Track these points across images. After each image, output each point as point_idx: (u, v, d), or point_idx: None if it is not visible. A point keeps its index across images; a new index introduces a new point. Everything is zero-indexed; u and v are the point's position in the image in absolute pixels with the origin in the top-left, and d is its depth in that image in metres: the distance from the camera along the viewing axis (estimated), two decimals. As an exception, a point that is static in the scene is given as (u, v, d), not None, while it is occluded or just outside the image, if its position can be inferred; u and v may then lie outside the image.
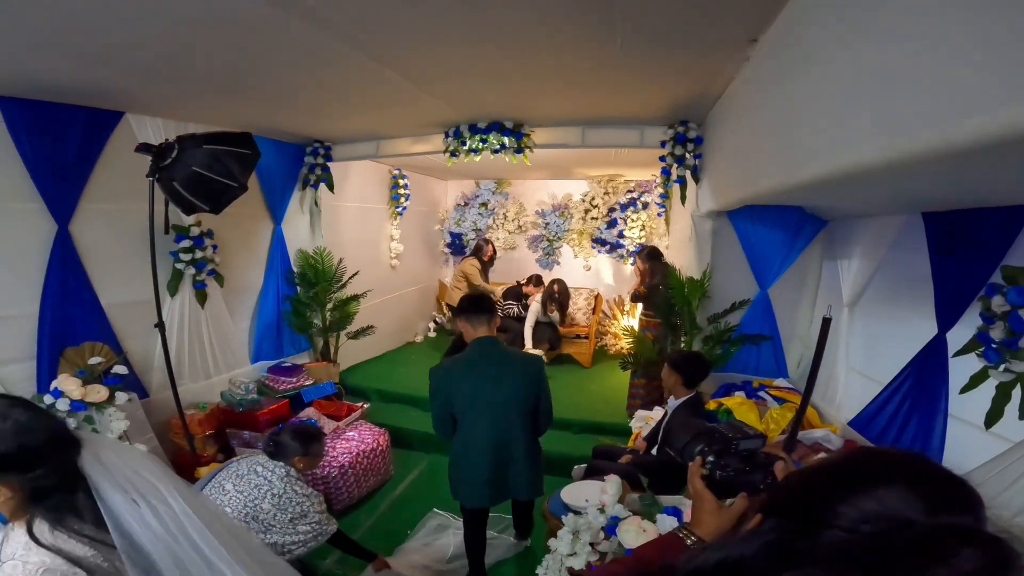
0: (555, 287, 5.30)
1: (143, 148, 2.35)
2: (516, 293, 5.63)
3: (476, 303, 2.20)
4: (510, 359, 2.19)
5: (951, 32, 0.90)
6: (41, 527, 0.93)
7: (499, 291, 5.78)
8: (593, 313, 5.79)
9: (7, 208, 2.48)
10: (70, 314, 2.75)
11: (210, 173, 2.41)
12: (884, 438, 2.30)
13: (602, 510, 1.82)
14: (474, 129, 3.59)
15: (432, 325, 6.56)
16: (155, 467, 1.02)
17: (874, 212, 2.57)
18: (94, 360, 2.71)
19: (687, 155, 3.35)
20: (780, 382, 3.19)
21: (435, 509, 3.06)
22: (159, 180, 2.41)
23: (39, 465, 0.91)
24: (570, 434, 3.87)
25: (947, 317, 2.01)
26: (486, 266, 5.55)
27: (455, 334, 5.20)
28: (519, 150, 3.63)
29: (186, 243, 3.17)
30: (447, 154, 3.75)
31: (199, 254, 3.24)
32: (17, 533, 0.93)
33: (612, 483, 1.82)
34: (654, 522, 1.66)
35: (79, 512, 0.94)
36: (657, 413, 3.37)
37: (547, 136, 3.66)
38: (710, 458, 0.89)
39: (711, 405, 3.01)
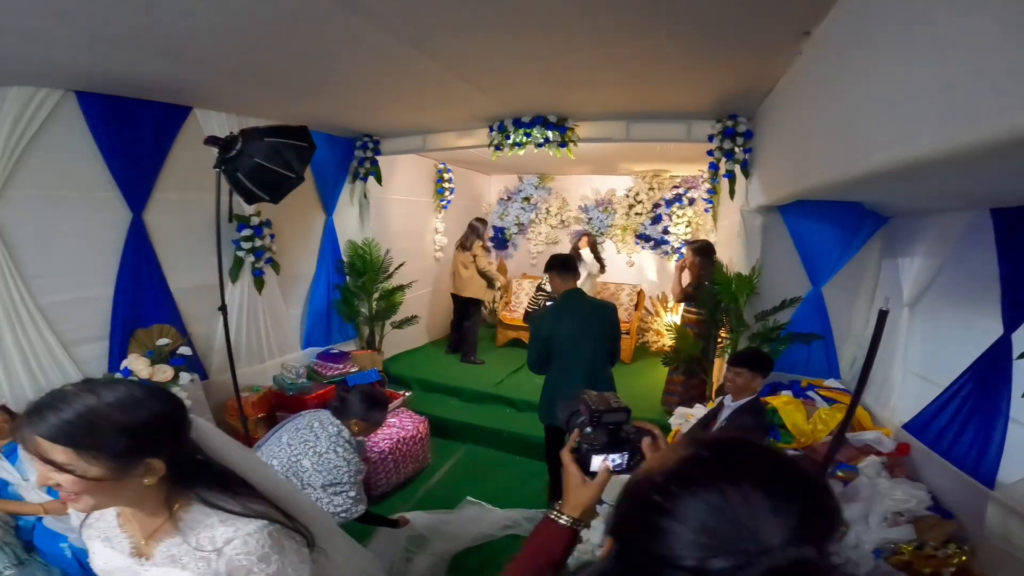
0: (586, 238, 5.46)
1: (211, 141, 2.51)
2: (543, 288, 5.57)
3: (565, 262, 2.76)
4: (592, 305, 2.78)
5: (1019, 18, 0.86)
6: (216, 498, 0.90)
7: (517, 282, 5.96)
8: (636, 309, 5.72)
9: (87, 197, 2.70)
10: (141, 297, 2.96)
11: (271, 164, 2.55)
12: (940, 442, 2.20)
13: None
14: (518, 123, 3.62)
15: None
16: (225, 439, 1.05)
17: (939, 208, 2.43)
18: (162, 341, 2.92)
19: (736, 149, 3.26)
20: (831, 382, 3.07)
21: (469, 497, 3.11)
22: (225, 171, 2.56)
23: (184, 439, 0.90)
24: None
25: (1014, 317, 1.89)
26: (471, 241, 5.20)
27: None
28: (563, 144, 3.63)
29: (247, 232, 3.36)
30: (491, 148, 3.80)
31: (258, 243, 3.43)
32: (204, 521, 0.89)
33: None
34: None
35: (220, 482, 0.93)
36: (698, 411, 3.31)
37: (591, 130, 3.64)
38: (588, 429, 0.86)
39: (754, 404, 2.93)
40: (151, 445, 0.83)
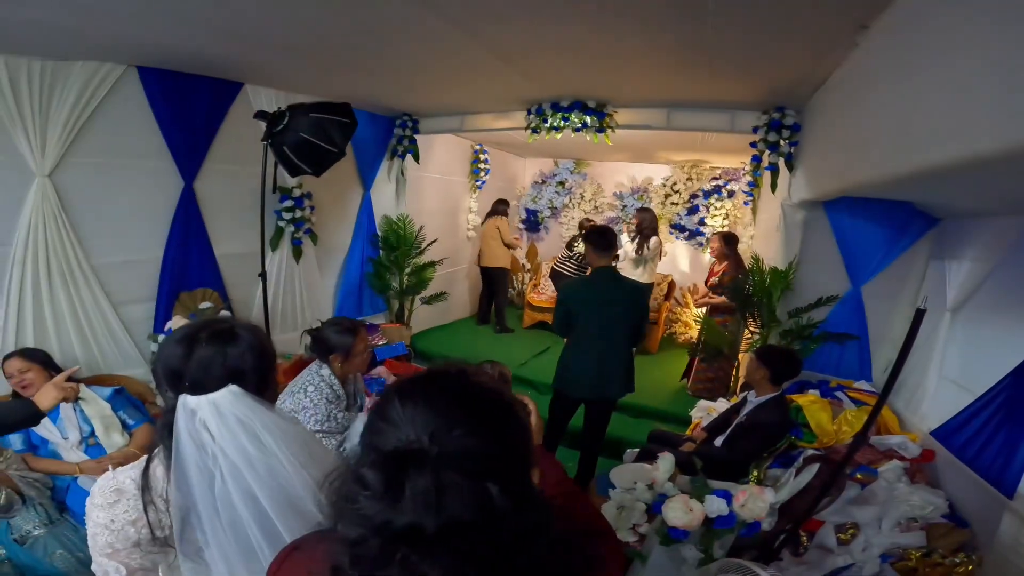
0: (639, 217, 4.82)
1: (260, 115, 2.62)
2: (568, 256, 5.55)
3: (604, 237, 2.71)
4: (623, 285, 2.74)
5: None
6: None
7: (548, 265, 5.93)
8: (665, 299, 5.66)
9: (144, 166, 2.85)
10: (188, 262, 3.11)
11: (315, 139, 2.64)
12: (966, 450, 2.15)
13: (651, 487, 1.85)
14: (556, 107, 3.59)
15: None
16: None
17: (993, 211, 2.32)
18: (204, 304, 3.08)
19: (781, 142, 3.17)
20: (861, 384, 3.00)
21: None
22: (271, 144, 2.67)
23: None
24: (627, 417, 3.86)
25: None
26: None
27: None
28: (600, 129, 3.60)
29: (288, 203, 3.49)
30: (528, 131, 3.80)
31: (298, 213, 3.55)
32: None
33: (665, 460, 1.84)
34: (702, 503, 1.67)
35: None
36: (721, 405, 3.30)
37: (630, 116, 3.59)
38: None
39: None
40: None
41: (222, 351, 0.94)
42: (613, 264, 2.79)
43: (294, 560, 0.73)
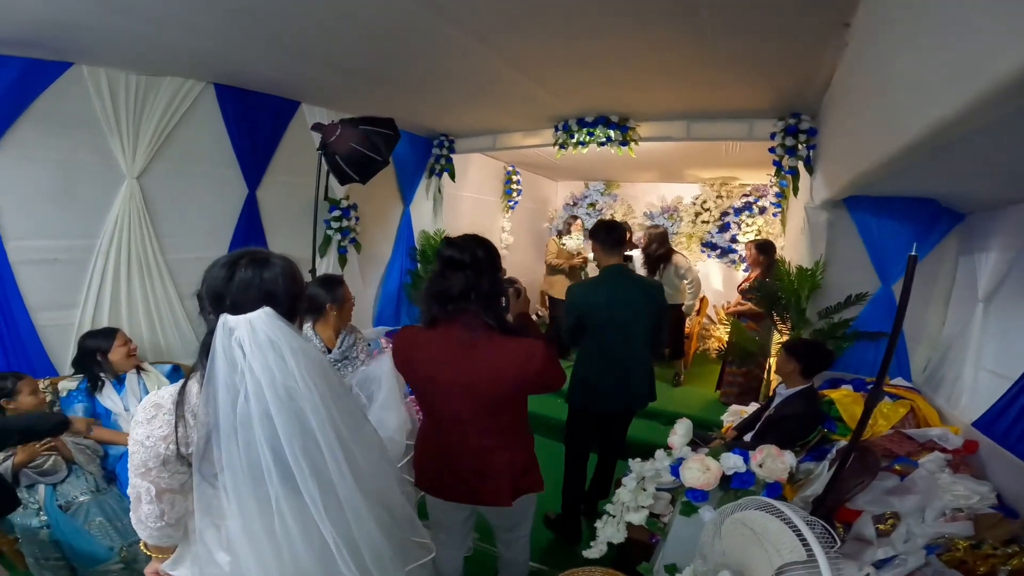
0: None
1: (317, 127, 2.96)
2: None
3: (611, 232, 2.50)
4: (637, 283, 2.55)
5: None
6: None
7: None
8: (697, 315, 5.65)
9: (215, 173, 3.21)
10: None
11: (362, 148, 2.95)
12: (1009, 437, 2.08)
13: (669, 452, 1.90)
14: (581, 123, 3.82)
15: (534, 318, 6.84)
16: None
17: (1013, 198, 2.34)
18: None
19: (799, 146, 3.27)
20: (899, 381, 2.95)
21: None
22: (325, 153, 2.99)
23: None
24: (658, 424, 3.86)
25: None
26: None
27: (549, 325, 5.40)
28: (624, 143, 3.79)
29: (336, 213, 3.80)
30: (556, 147, 4.03)
31: (345, 223, 3.86)
32: None
33: (682, 424, 1.90)
34: (718, 460, 1.72)
35: None
36: (753, 409, 3.28)
37: (652, 129, 3.78)
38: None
39: (811, 396, 2.88)
40: None
41: (259, 274, 1.03)
42: (624, 262, 2.57)
43: (402, 331, 1.66)
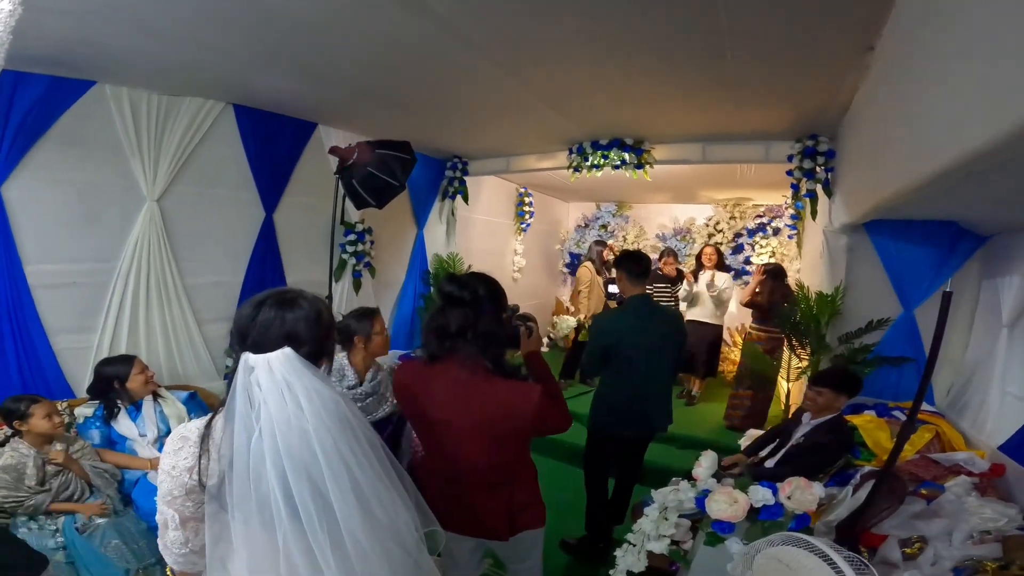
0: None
1: (334, 150, 2.99)
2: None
3: (639, 263, 2.60)
4: (661, 313, 2.69)
5: None
6: None
7: None
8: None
9: (234, 196, 3.25)
10: (263, 286, 3.37)
11: (379, 173, 2.98)
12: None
13: (694, 484, 1.86)
14: (596, 145, 3.84)
15: (546, 340, 6.81)
16: None
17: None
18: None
19: (817, 168, 3.25)
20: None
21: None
22: (341, 177, 3.02)
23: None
24: (674, 448, 3.78)
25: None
26: (602, 268, 5.23)
27: (567, 350, 5.33)
28: (639, 166, 3.80)
29: (352, 237, 3.83)
30: (570, 170, 4.05)
31: (360, 247, 3.88)
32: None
33: (707, 457, 1.85)
34: (746, 493, 1.67)
35: None
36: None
37: (667, 152, 3.78)
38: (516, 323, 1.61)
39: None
40: None
41: (281, 315, 1.04)
42: (645, 291, 2.66)
43: (404, 365, 1.63)
